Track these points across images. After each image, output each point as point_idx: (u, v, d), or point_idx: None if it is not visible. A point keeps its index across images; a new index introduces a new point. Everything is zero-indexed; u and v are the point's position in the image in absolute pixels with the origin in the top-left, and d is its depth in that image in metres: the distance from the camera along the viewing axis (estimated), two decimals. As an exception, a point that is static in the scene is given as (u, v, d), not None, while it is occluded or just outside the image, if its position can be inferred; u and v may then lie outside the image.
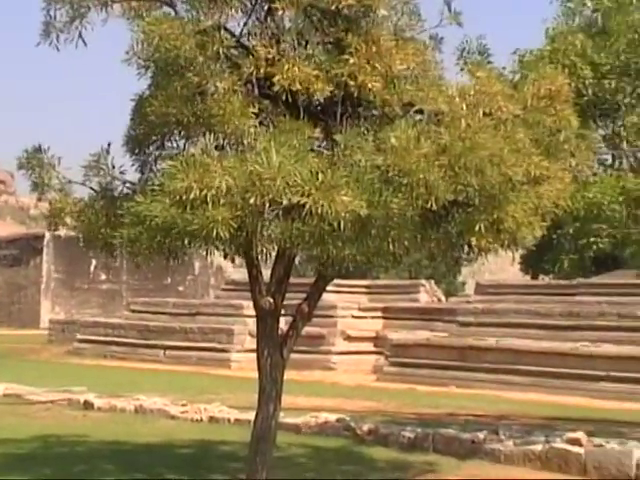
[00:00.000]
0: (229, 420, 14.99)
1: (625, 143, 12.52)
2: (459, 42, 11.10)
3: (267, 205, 7.15)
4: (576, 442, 10.96)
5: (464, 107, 8.05)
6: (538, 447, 11.12)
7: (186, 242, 7.55)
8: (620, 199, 11.58)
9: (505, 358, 23.64)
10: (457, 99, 8.14)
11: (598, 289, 26.77)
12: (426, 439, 12.47)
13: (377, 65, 7.81)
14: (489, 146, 7.82)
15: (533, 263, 38.66)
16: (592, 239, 12.15)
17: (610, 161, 13.08)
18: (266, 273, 9.00)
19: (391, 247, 7.93)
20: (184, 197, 7.12)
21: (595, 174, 12.26)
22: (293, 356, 9.34)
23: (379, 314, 30.56)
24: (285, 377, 9.13)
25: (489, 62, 11.32)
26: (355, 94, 7.90)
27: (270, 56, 7.90)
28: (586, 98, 11.98)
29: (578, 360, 22.63)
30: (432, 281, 34.36)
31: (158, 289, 46.17)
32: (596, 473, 10.39)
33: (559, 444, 11.02)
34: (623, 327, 23.02)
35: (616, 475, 10.23)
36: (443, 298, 33.37)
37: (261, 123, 7.98)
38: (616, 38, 12.06)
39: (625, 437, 12.64)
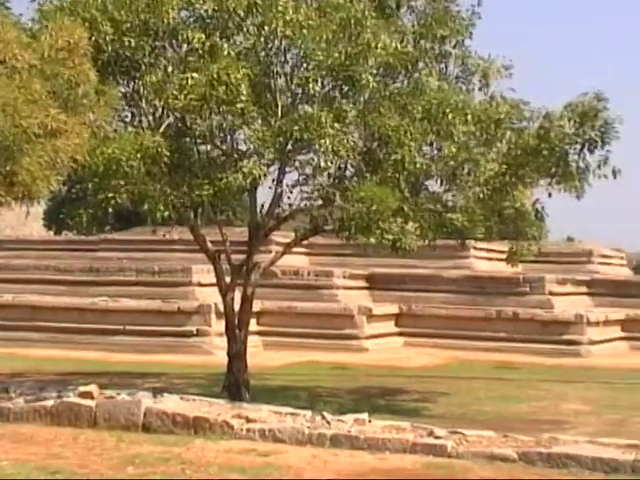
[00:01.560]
0: None
1: (144, 101, 12.79)
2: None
3: None
4: (88, 395, 11.07)
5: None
6: (49, 402, 11.07)
7: None
8: (138, 156, 11.80)
9: (22, 315, 23.24)
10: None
11: (118, 245, 27.34)
12: None
13: None
14: (2, 95, 7.58)
15: (56, 219, 38.26)
16: (110, 194, 12.21)
17: (130, 118, 13.30)
18: None
19: None
20: None
21: (115, 130, 12.41)
22: None
23: None
24: None
25: (7, 8, 10.90)
26: None
27: None
28: (107, 54, 12.03)
29: (96, 315, 22.94)
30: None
31: None
32: (106, 424, 10.61)
33: (71, 398, 11.07)
34: (141, 282, 23.72)
35: (125, 424, 10.53)
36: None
37: None
38: (136, -3, 12.22)
39: (137, 387, 13.06)
